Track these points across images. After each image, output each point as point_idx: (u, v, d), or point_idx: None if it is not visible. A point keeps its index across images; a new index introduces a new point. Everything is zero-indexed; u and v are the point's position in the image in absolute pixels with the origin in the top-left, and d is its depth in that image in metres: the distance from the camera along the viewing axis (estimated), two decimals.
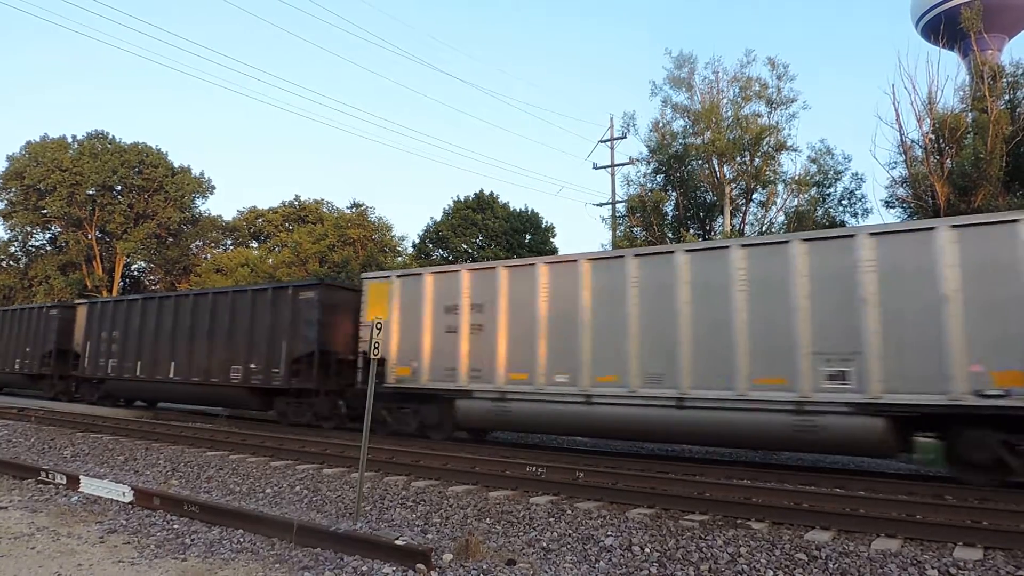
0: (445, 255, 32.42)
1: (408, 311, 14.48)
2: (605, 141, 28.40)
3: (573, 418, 12.18)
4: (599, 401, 11.85)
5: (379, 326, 8.01)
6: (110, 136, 45.21)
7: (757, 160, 24.63)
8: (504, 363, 12.98)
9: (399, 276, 14.94)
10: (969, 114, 19.75)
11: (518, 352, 12.88)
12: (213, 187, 48.08)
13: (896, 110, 21.18)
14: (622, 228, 26.82)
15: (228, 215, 51.13)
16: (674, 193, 25.87)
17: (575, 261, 12.56)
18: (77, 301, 25.36)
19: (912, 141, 21.04)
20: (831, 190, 24.69)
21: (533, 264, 13.09)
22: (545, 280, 12.77)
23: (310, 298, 16.02)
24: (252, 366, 16.74)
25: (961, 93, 20.94)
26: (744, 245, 11.02)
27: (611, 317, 11.92)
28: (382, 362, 14.30)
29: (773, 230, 24.29)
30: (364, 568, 5.76)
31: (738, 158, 24.56)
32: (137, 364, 20.03)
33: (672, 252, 11.67)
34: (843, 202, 24.54)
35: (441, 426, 14.02)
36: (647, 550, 6.47)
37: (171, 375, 18.87)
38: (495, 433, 15.87)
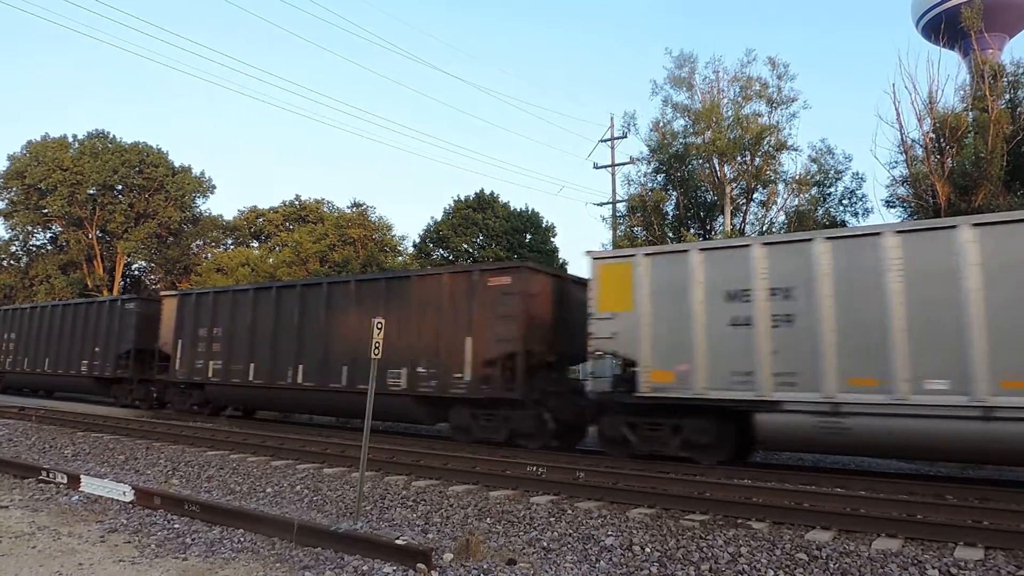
0: (445, 255, 32.46)
1: (665, 299, 11.52)
2: (605, 141, 28.43)
3: (960, 439, 9.18)
4: (1007, 415, 8.79)
5: (380, 325, 7.99)
6: (111, 135, 45.22)
7: (758, 160, 24.63)
8: (834, 365, 10.01)
9: (648, 255, 11.93)
10: (970, 113, 19.72)
11: (857, 350, 9.92)
12: (214, 187, 48.17)
13: (897, 109, 21.13)
14: (622, 228, 26.85)
15: (229, 215, 51.04)
16: (674, 193, 25.87)
17: (953, 227, 9.54)
18: (164, 293, 21.90)
19: (913, 140, 21.03)
20: (832, 190, 24.71)
21: (878, 234, 10.07)
22: (898, 255, 9.81)
23: (506, 286, 13.07)
24: (420, 370, 13.87)
25: (962, 92, 20.93)
26: None
27: (1021, 298, 8.98)
28: (632, 366, 11.70)
29: (774, 230, 24.28)
30: (365, 568, 5.76)
31: (739, 158, 24.55)
32: (250, 367, 17.02)
33: None
34: (844, 202, 24.56)
35: (717, 446, 11.07)
36: (647, 550, 6.47)
37: (299, 380, 16.00)
38: (762, 453, 13.01)
